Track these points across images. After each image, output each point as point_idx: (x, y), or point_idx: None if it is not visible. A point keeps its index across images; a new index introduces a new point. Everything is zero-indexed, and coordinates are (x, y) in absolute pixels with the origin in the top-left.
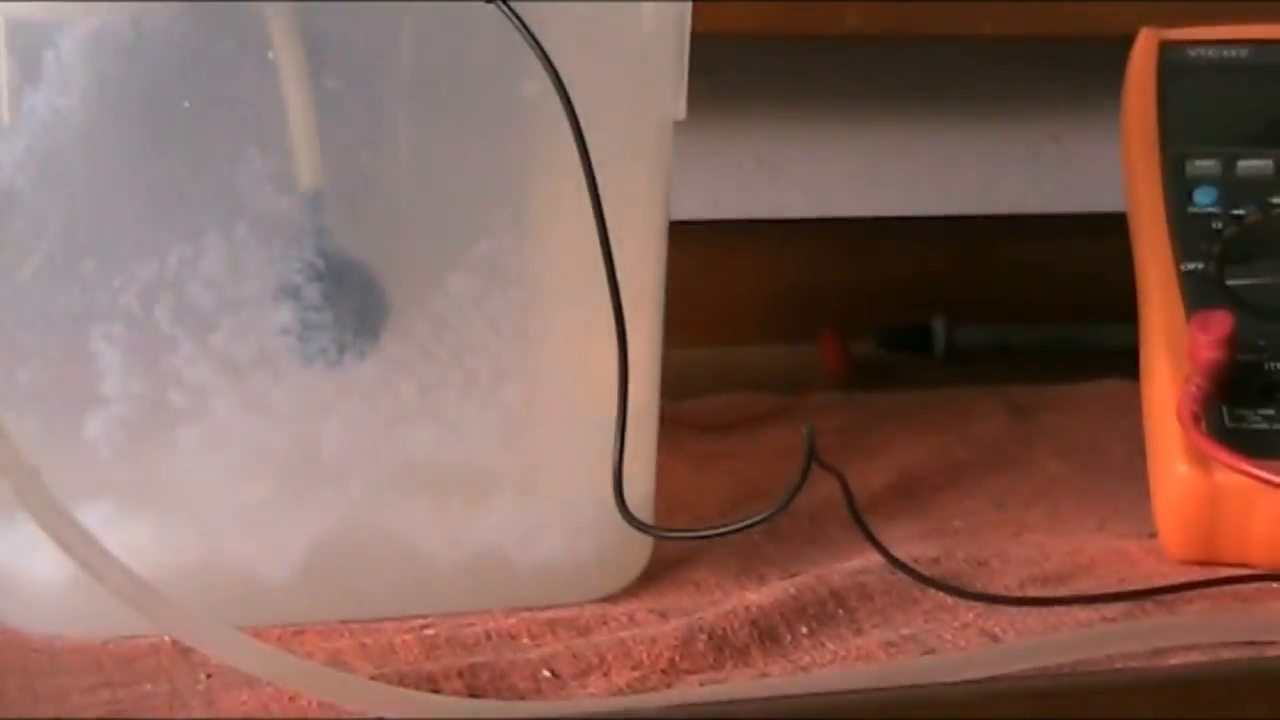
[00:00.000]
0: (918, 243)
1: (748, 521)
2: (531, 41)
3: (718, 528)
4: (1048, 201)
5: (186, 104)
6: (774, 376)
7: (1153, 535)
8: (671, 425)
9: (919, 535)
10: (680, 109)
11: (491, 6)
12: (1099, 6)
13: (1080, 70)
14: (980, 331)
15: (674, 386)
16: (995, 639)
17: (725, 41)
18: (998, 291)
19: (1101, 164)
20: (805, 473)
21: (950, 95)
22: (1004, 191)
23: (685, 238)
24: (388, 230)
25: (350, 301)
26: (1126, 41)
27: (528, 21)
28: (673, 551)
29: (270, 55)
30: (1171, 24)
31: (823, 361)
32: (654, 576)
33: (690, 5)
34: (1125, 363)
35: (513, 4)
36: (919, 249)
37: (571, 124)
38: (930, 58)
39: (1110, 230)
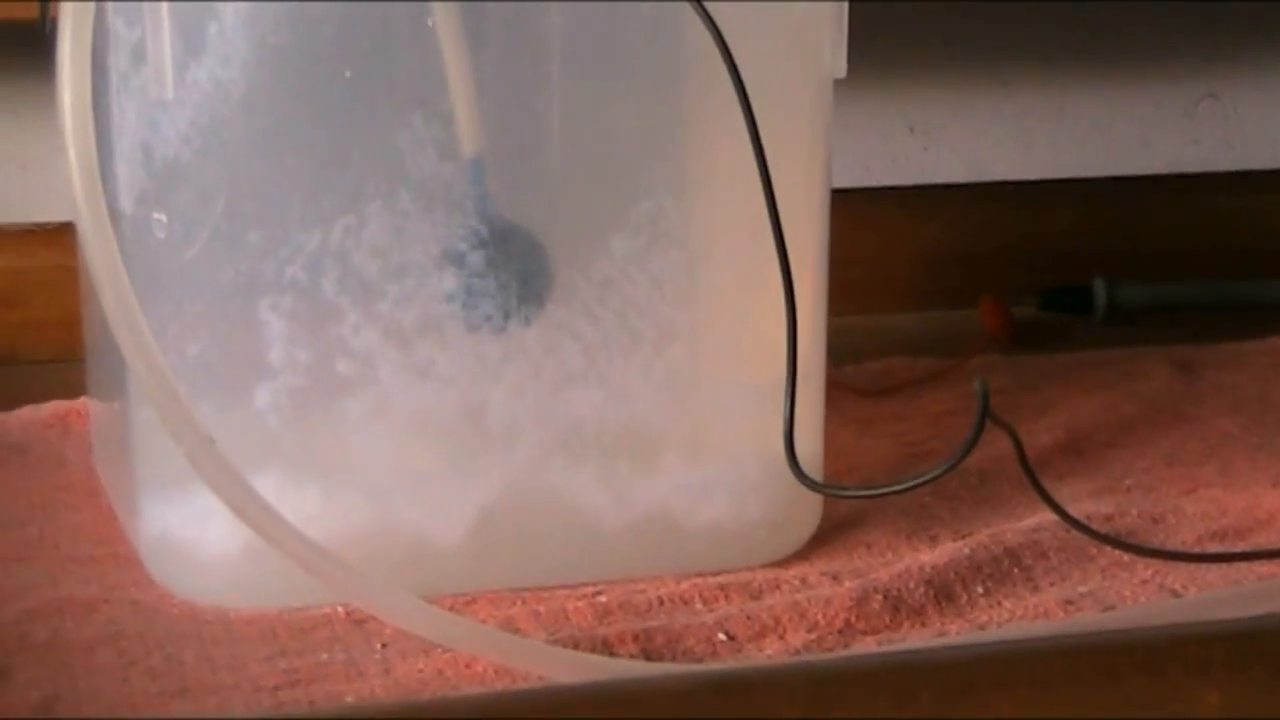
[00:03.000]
0: (1074, 204)
1: (920, 479)
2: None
3: (889, 486)
4: (1206, 159)
5: (348, 73)
6: (934, 341)
7: None
8: (833, 390)
9: (1091, 493)
10: (841, 66)
11: None
12: None
13: (1236, 25)
14: (1141, 291)
15: (834, 352)
16: (1175, 595)
17: (876, 4)
18: (1157, 251)
19: (1260, 119)
20: (980, 426)
21: (1103, 54)
22: (1161, 150)
23: (840, 204)
24: (549, 194)
25: (514, 267)
26: None
27: None
28: (842, 513)
29: (430, 22)
30: None
31: (984, 325)
32: (824, 539)
33: None
34: None
35: None
36: (1076, 211)
37: (735, 83)
38: (1082, 16)
39: (1271, 186)
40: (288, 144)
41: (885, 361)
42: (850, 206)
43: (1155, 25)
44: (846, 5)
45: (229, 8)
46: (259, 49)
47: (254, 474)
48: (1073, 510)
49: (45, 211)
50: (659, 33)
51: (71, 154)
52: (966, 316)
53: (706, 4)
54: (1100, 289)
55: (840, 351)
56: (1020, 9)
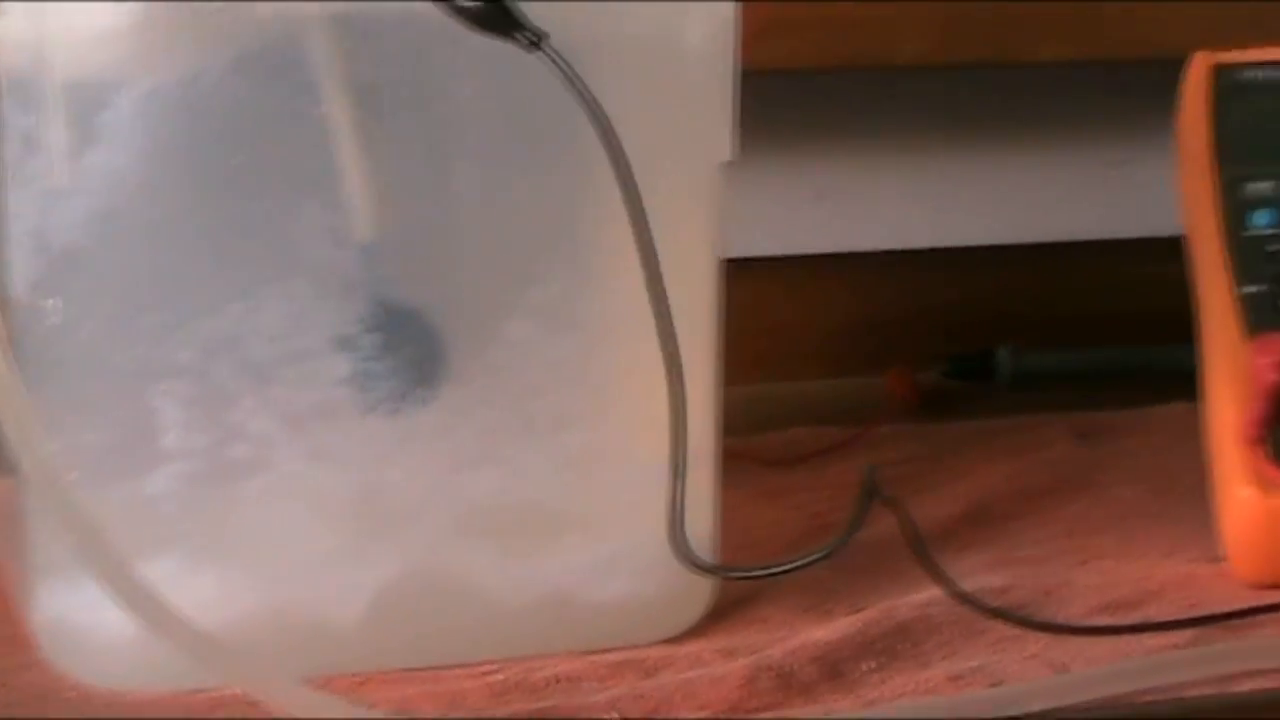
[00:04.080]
0: (982, 271)
1: (808, 559)
2: (577, 86)
3: (778, 566)
4: (1113, 226)
5: (242, 160)
6: (842, 409)
7: (1223, 560)
8: (739, 461)
9: (987, 565)
10: (729, 150)
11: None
12: (1155, 28)
13: (1142, 93)
14: (1046, 357)
15: (741, 422)
16: (1063, 669)
17: (783, 76)
18: (1065, 317)
19: (1167, 186)
20: (863, 510)
21: (1010, 122)
22: (1068, 217)
23: (749, 273)
24: (445, 278)
25: (409, 350)
26: (1184, 63)
27: (575, 65)
28: (739, 589)
29: (321, 110)
30: (1227, 39)
31: (890, 393)
32: (721, 615)
33: (737, 47)
34: (1192, 385)
35: (559, 49)
36: (983, 278)
37: (617, 167)
38: (989, 85)
39: (1177, 253)
40: (182, 230)
41: (792, 431)
42: (760, 275)
43: (1066, 91)
44: (736, 90)
45: (122, 96)
46: (153, 138)
47: (150, 559)
48: (968, 582)
49: None
50: (555, 116)
51: None
52: (874, 384)
53: (593, 89)
54: (1005, 356)
55: (748, 421)
56: (930, 75)
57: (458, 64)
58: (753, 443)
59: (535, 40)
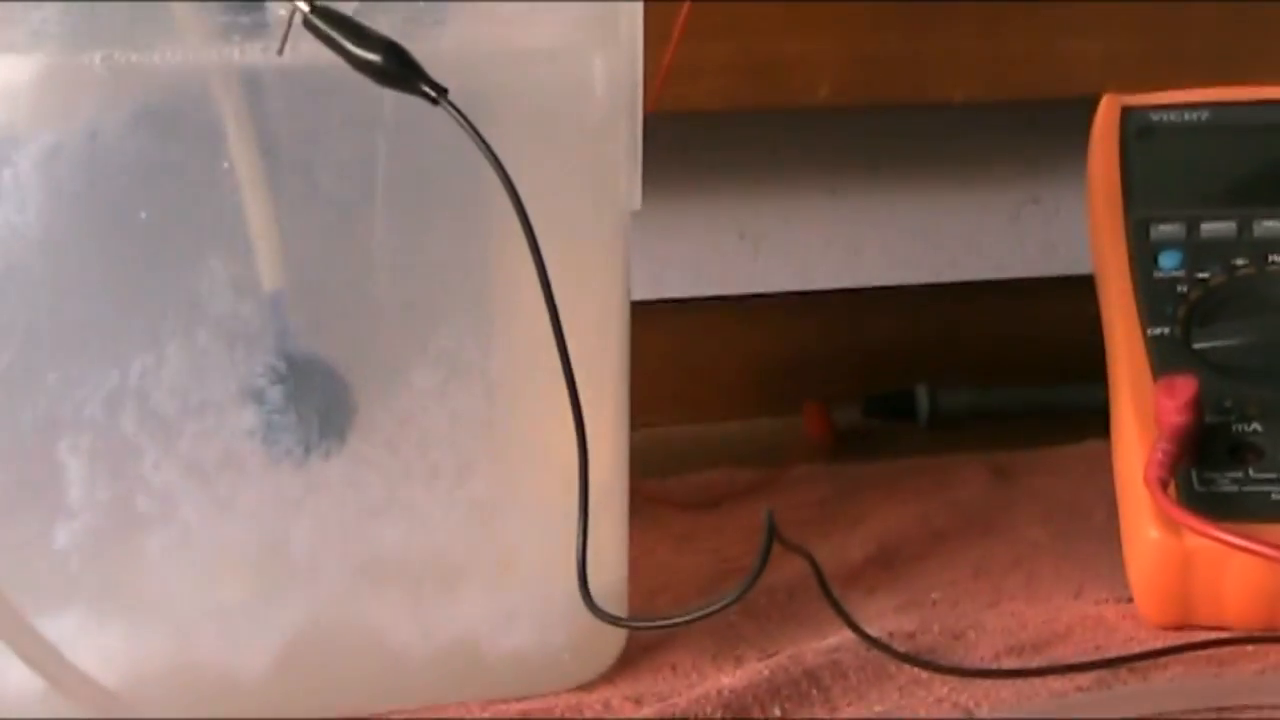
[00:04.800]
0: (901, 311)
1: (712, 608)
2: (477, 139)
3: (682, 615)
4: (1030, 264)
5: (144, 214)
6: (759, 450)
7: (1130, 600)
8: (652, 504)
9: (896, 608)
10: (635, 200)
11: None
12: (1065, 69)
13: (1057, 131)
14: (964, 396)
15: (658, 464)
16: (969, 712)
17: (702, 117)
18: (983, 356)
19: (1081, 224)
20: (765, 558)
21: (927, 162)
22: (986, 255)
23: (668, 314)
24: (350, 328)
25: (315, 401)
26: (1094, 103)
27: (477, 113)
28: (649, 635)
29: (225, 164)
30: (1137, 80)
31: (807, 433)
32: (631, 661)
33: (641, 95)
34: (1106, 423)
35: (462, 99)
36: (902, 317)
37: (520, 217)
38: (906, 124)
39: (1091, 291)
40: (85, 286)
41: (707, 474)
42: (679, 315)
43: (978, 131)
44: (639, 141)
45: (22, 153)
46: (54, 194)
47: (57, 613)
48: (877, 626)
49: None
50: (458, 165)
51: None
52: (792, 424)
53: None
54: (923, 395)
55: (664, 462)
56: (846, 118)
57: (361, 116)
58: (667, 485)
59: (436, 95)
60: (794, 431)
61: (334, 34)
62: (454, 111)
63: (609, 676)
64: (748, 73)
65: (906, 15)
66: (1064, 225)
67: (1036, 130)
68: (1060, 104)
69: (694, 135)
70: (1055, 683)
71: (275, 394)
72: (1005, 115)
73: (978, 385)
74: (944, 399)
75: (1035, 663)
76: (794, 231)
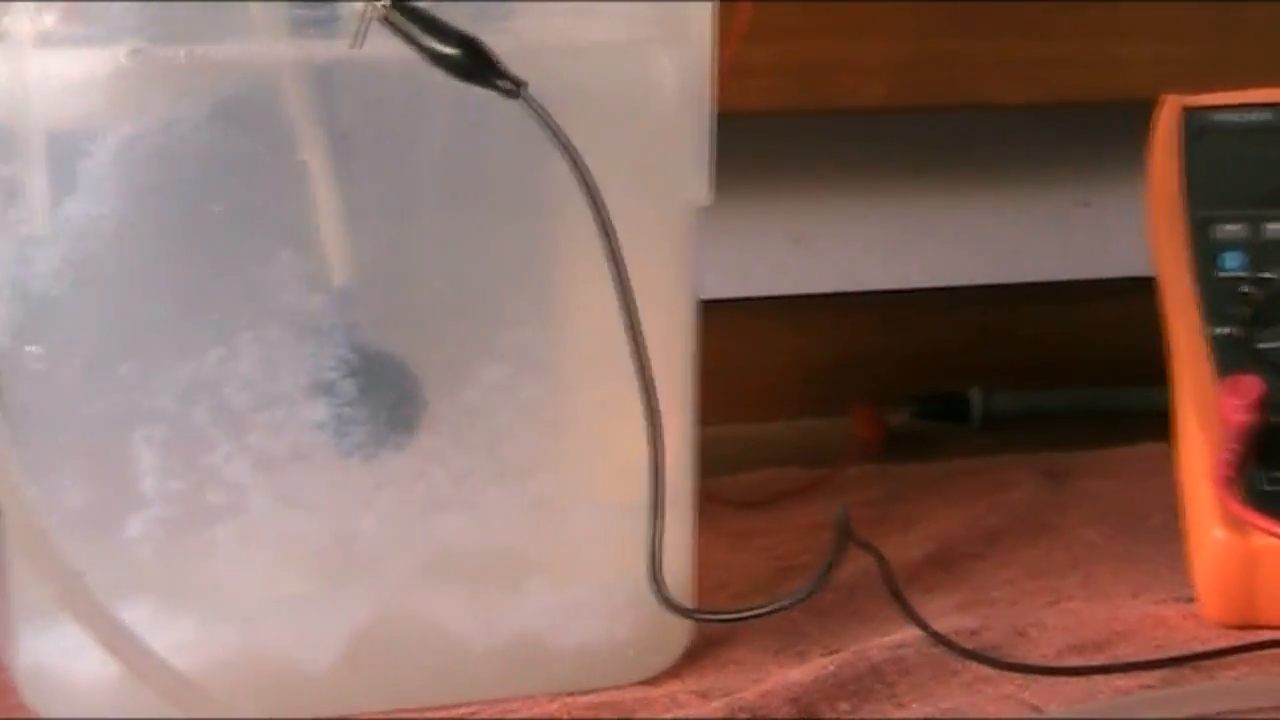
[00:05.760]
0: (950, 312)
1: (784, 603)
2: (556, 133)
3: (755, 609)
4: (1079, 266)
5: (218, 207)
6: (808, 451)
7: (1190, 600)
8: (707, 502)
9: (956, 606)
10: (704, 195)
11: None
12: (1117, 72)
13: (1107, 134)
14: (1015, 399)
15: (709, 463)
16: (1036, 709)
17: (751, 119)
18: (1031, 358)
19: (1132, 227)
20: (838, 554)
21: (978, 163)
22: (1035, 258)
23: (718, 315)
24: (419, 323)
25: (384, 395)
26: (1151, 105)
27: (552, 111)
28: (714, 631)
29: (300, 157)
30: (1188, 82)
31: (856, 434)
32: (695, 656)
33: (713, 90)
34: (1160, 425)
35: (537, 95)
36: (952, 318)
37: (595, 212)
38: (956, 127)
39: (1143, 293)
40: (160, 278)
41: (759, 473)
42: (728, 316)
43: (1027, 135)
44: (710, 135)
45: (100, 145)
46: (131, 186)
47: (127, 603)
48: (938, 624)
49: None
50: (526, 160)
51: None
52: (841, 425)
53: (569, 134)
54: (976, 398)
55: (715, 462)
56: (894, 120)
57: (432, 110)
58: (720, 484)
59: (515, 88)
60: (842, 432)
61: (411, 29)
62: (533, 104)
63: (675, 671)
64: (799, 74)
65: (958, 18)
66: (1113, 228)
67: (1086, 133)
68: (1110, 106)
69: (744, 136)
70: (1120, 681)
71: (346, 387)
72: (1054, 118)
73: (1026, 388)
74: (995, 401)
75: (1098, 661)
76: (843, 233)
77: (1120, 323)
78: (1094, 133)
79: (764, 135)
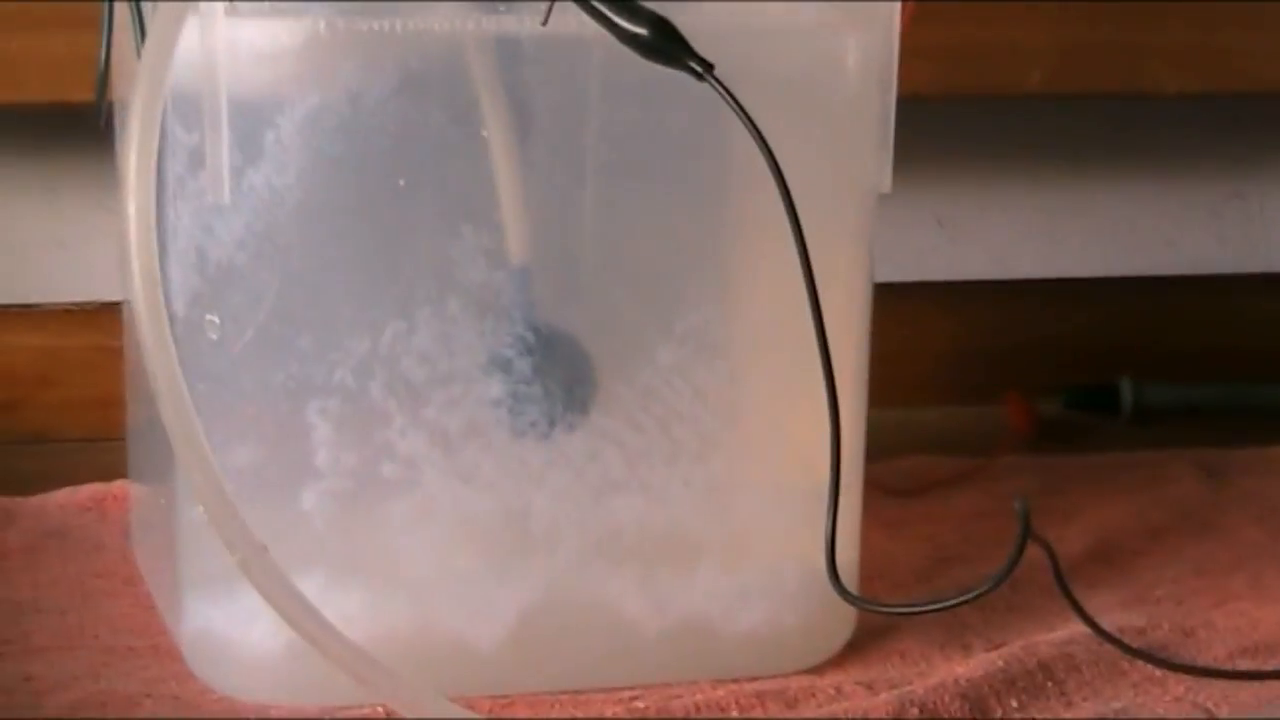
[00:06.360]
0: (1099, 303)
1: (960, 599)
2: (743, 116)
3: (930, 603)
4: (1231, 259)
5: (401, 183)
6: (959, 438)
7: None
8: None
9: (1121, 603)
10: (886, 182)
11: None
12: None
13: (1262, 126)
14: (1169, 391)
15: None
16: (1209, 713)
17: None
18: (1182, 351)
19: None
20: (1021, 549)
21: (1130, 152)
22: (1187, 250)
23: None
24: (595, 303)
25: (560, 374)
26: None
27: (736, 92)
28: (876, 621)
29: (483, 133)
30: None
31: (1009, 423)
32: (858, 647)
33: (894, 77)
34: None
35: (722, 78)
36: (1099, 310)
37: (783, 196)
38: (1109, 115)
39: None
40: (340, 251)
41: (912, 460)
42: (878, 301)
43: (1182, 124)
44: (892, 122)
45: (285, 116)
46: (315, 158)
47: (299, 575)
48: (1104, 621)
49: (83, 291)
50: (704, 144)
51: (135, 264)
52: (990, 413)
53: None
54: (1127, 389)
55: (867, 448)
56: (1048, 107)
57: (616, 89)
58: (872, 471)
59: (703, 70)
60: (991, 420)
61: (601, 7)
62: (720, 88)
63: (838, 661)
64: (958, 59)
65: (1120, 6)
66: (1267, 221)
67: (1242, 124)
68: (1267, 98)
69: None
70: None
71: (522, 366)
72: (1211, 108)
73: (1177, 381)
74: (1149, 393)
75: (1271, 665)
76: (992, 220)
77: (1274, 317)
78: (1250, 124)
79: (916, 119)
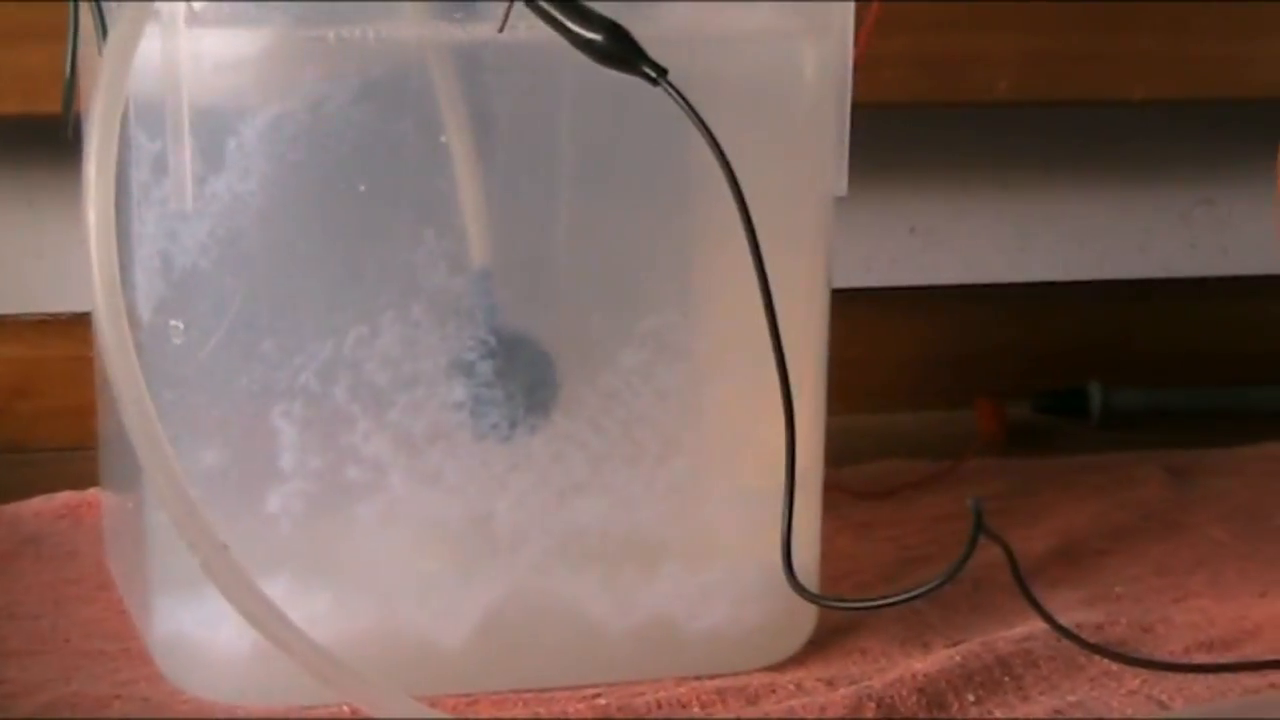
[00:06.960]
0: (1071, 307)
1: (914, 592)
2: (697, 121)
3: (884, 598)
4: (1201, 264)
5: (363, 187)
6: (930, 442)
7: None
8: (830, 492)
9: (1082, 601)
10: (842, 185)
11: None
12: (1246, 69)
13: (1231, 132)
14: (1136, 395)
15: (831, 453)
16: (1163, 706)
17: (879, 111)
18: (1152, 355)
19: (1255, 226)
20: (972, 545)
21: (1100, 159)
22: (1157, 255)
23: (839, 305)
24: (557, 306)
25: (522, 377)
26: (1278, 103)
27: (693, 99)
28: (838, 619)
29: (443, 139)
30: None
31: (978, 426)
32: (820, 644)
33: (850, 83)
34: None
35: (678, 83)
36: (1070, 314)
37: (736, 200)
38: (1080, 122)
39: (1265, 292)
40: (303, 256)
41: (881, 463)
42: (850, 307)
43: (1152, 131)
44: (848, 126)
45: (248, 123)
46: (277, 165)
47: (264, 578)
48: (1064, 618)
49: (59, 301)
50: (666, 147)
51: (95, 269)
52: (961, 417)
53: (709, 122)
54: (1095, 393)
55: (836, 452)
56: (1018, 114)
57: (575, 95)
58: (841, 474)
59: (657, 75)
60: (963, 425)
61: (556, 13)
62: (674, 93)
63: (800, 658)
64: (926, 67)
65: (1089, 13)
66: (1236, 226)
67: (1211, 131)
68: (1236, 105)
69: (866, 128)
70: (1249, 679)
71: (484, 369)
72: (1179, 115)
73: (1147, 385)
74: (1117, 397)
75: (1226, 659)
76: (964, 226)
77: (1243, 320)
78: (1218, 131)
79: (887, 126)
